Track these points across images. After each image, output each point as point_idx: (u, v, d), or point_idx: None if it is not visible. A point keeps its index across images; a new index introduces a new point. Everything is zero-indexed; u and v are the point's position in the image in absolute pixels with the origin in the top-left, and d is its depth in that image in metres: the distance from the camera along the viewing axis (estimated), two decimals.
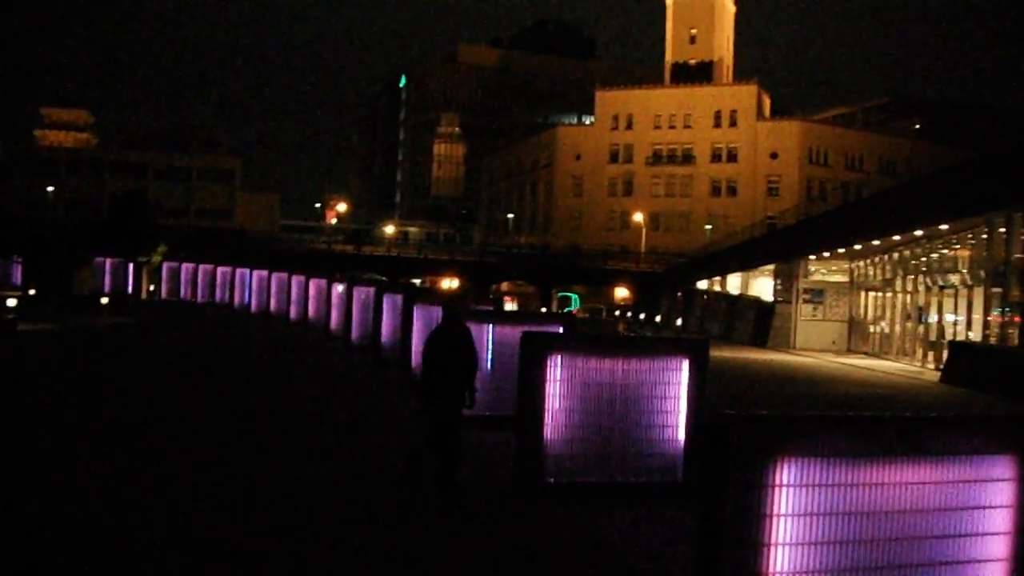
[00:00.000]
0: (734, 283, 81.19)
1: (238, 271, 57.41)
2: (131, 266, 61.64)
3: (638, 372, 12.66)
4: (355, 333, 33.28)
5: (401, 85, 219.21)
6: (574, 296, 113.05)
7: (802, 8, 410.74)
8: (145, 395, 20.96)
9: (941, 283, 46.25)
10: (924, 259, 48.43)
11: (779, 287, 64.97)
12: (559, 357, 12.44)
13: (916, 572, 6.41)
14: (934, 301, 47.11)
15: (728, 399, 24.59)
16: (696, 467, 12.53)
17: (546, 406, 12.37)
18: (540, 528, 11.36)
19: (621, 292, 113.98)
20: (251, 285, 54.46)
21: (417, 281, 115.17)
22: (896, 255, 51.69)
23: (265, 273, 52.04)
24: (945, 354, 41.36)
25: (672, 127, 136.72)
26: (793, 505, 6.11)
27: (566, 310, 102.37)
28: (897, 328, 51.91)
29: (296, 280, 46.04)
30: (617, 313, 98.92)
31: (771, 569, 6.09)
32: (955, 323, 44.34)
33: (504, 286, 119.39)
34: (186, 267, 64.02)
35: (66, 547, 9.72)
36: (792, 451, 6.09)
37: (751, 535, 6.07)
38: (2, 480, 12.71)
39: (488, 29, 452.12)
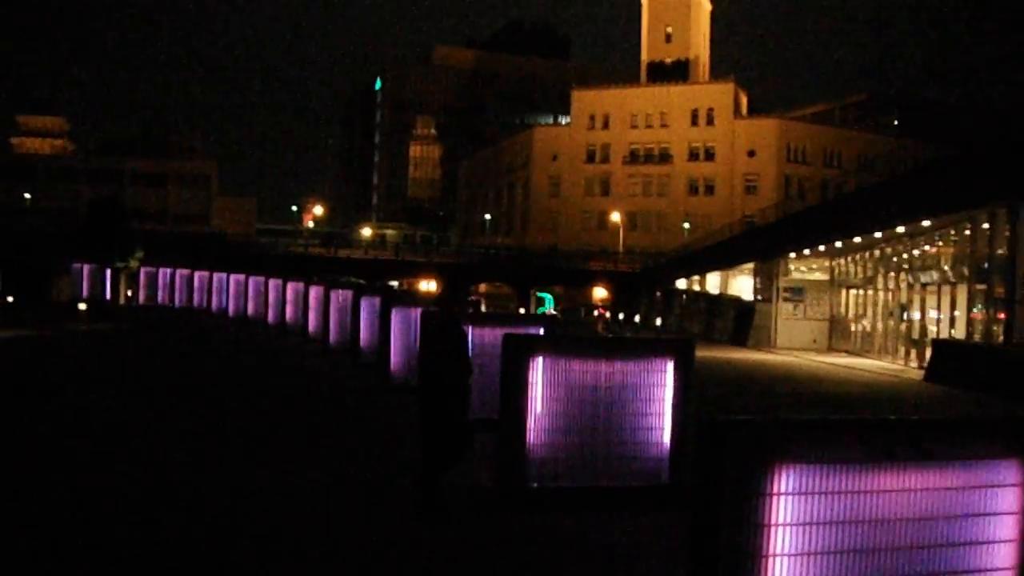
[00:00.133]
0: (713, 282, 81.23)
1: (215, 275, 57.07)
2: (108, 272, 61.39)
3: (622, 374, 12.39)
4: (333, 336, 33.02)
5: (376, 87, 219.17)
6: (547, 296, 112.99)
7: (778, 5, 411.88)
8: (122, 402, 20.64)
9: (923, 280, 46.11)
10: (906, 256, 48.30)
11: (759, 286, 64.90)
12: (542, 359, 12.16)
13: None
14: (916, 299, 47.00)
15: (712, 401, 24.34)
16: (681, 470, 12.31)
17: (529, 409, 12.08)
18: (524, 534, 11.09)
19: (599, 292, 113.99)
20: (228, 289, 54.12)
21: (395, 283, 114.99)
22: (877, 252, 51.60)
23: (242, 277, 51.71)
24: (928, 352, 41.21)
25: (649, 126, 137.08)
26: (793, 514, 5.82)
27: (539, 310, 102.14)
28: (879, 326, 51.78)
29: (273, 284, 45.72)
30: (596, 313, 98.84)
31: None
32: (938, 321, 44.21)
33: (482, 288, 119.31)
34: (163, 272, 63.75)
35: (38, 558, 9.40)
36: (792, 457, 5.80)
37: (748, 545, 5.79)
38: None
39: (463, 30, 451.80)
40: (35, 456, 14.61)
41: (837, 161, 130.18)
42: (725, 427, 5.82)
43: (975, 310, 40.22)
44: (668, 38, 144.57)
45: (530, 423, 12.06)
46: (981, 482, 6.17)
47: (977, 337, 39.24)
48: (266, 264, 68.65)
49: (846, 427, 6.16)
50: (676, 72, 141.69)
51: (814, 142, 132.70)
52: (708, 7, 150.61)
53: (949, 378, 35.19)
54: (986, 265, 38.86)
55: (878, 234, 48.09)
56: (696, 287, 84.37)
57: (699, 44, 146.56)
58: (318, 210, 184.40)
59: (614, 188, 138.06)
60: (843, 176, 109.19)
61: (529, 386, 12.04)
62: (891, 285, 49.87)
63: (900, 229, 45.81)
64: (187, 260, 64.69)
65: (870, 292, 53.41)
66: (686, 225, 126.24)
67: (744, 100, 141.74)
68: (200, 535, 10.60)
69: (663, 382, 12.42)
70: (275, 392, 23.58)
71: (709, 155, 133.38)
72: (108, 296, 60.92)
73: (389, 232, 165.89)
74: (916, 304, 46.94)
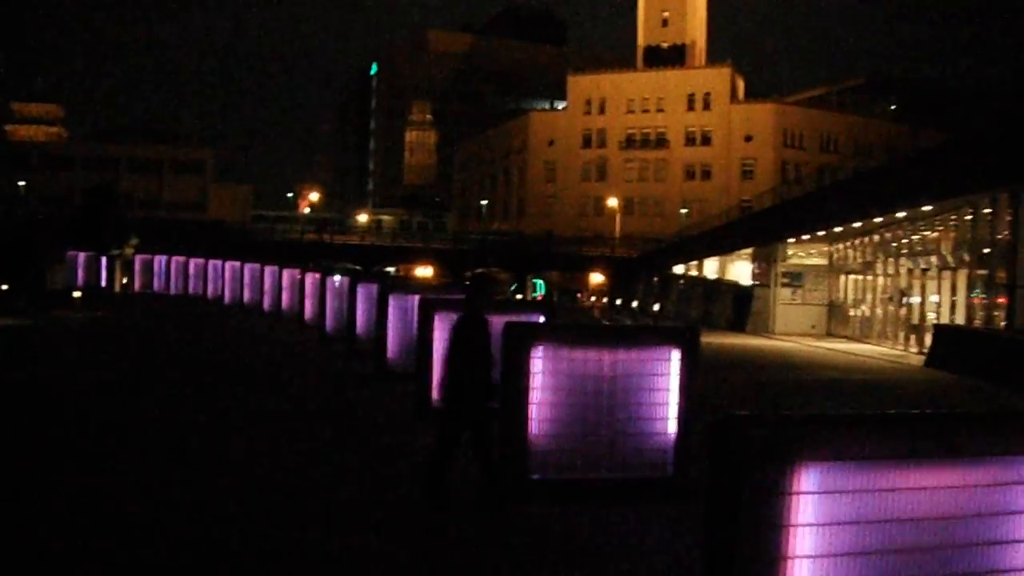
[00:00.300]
0: (711, 267, 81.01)
1: (211, 262, 57.11)
2: (104, 260, 61.27)
3: (626, 363, 12.09)
4: (329, 323, 32.82)
5: (372, 73, 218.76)
6: (539, 282, 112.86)
7: None
8: (116, 392, 20.42)
9: (924, 265, 45.82)
10: (906, 241, 48.00)
11: (757, 271, 64.62)
12: (543, 348, 11.85)
13: None
14: (916, 284, 46.71)
15: (716, 389, 24.04)
16: (686, 462, 12.05)
17: (530, 400, 11.78)
18: (526, 527, 10.83)
19: (596, 278, 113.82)
20: (224, 276, 54.08)
21: (391, 269, 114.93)
22: (876, 237, 51.28)
23: (238, 264, 51.69)
24: (928, 338, 40.94)
25: (645, 111, 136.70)
26: (815, 514, 5.53)
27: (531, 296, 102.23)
28: (878, 312, 51.50)
29: (269, 270, 45.66)
30: (593, 299, 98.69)
31: None
32: (938, 306, 43.92)
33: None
34: (159, 259, 64.01)
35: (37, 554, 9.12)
36: (815, 454, 5.51)
37: (769, 548, 5.50)
38: None
39: (458, 15, 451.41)
40: (26, 448, 14.36)
41: (834, 146, 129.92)
42: (744, 423, 5.53)
43: (974, 294, 39.94)
44: (665, 22, 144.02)
45: (532, 414, 11.77)
46: (1012, 479, 5.87)
47: (978, 323, 38.97)
48: (261, 250, 68.38)
49: (871, 422, 5.85)
50: (673, 57, 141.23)
51: (811, 127, 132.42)
52: None
53: (950, 364, 34.93)
54: (987, 250, 38.57)
55: (878, 219, 47.76)
56: (694, 272, 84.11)
57: (696, 28, 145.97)
58: (314, 196, 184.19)
59: (610, 173, 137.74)
60: (840, 161, 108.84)
61: (531, 375, 11.74)
62: (891, 270, 49.57)
63: (900, 214, 45.49)
64: (183, 247, 64.67)
65: (869, 277, 53.12)
66: (683, 210, 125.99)
67: (741, 85, 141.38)
68: (198, 528, 10.33)
69: (668, 371, 12.12)
70: (271, 380, 23.44)
71: (706, 140, 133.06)
72: (103, 284, 60.84)
73: (385, 218, 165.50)
74: (916, 289, 46.65)
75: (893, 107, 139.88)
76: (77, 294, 52.92)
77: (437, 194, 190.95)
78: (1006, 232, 36.59)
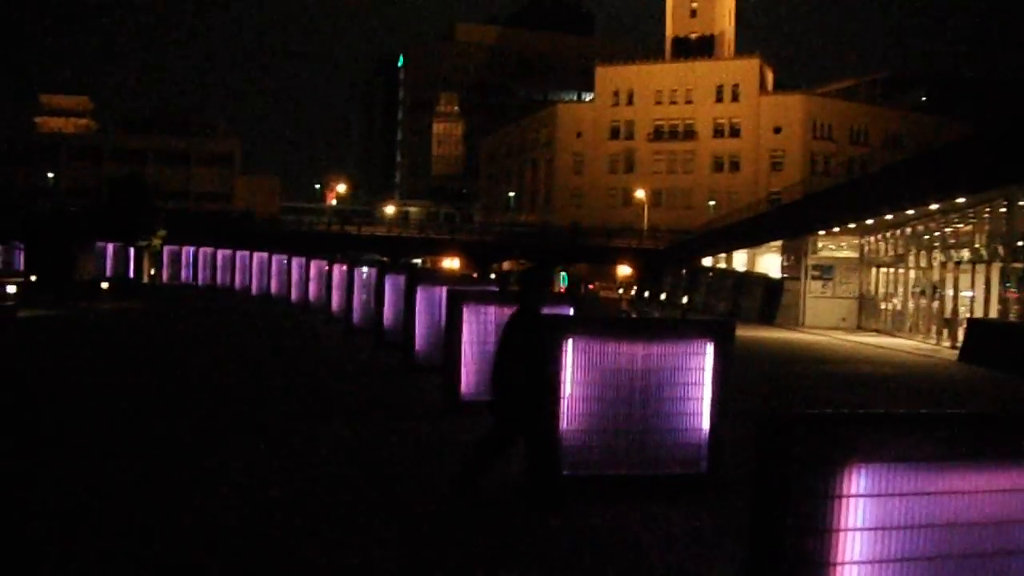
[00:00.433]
0: (740, 260, 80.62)
1: (238, 254, 57.33)
2: (132, 250, 61.42)
3: (659, 357, 11.81)
4: (356, 315, 32.69)
5: (399, 65, 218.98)
6: (563, 275, 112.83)
7: None
8: (146, 383, 20.27)
9: (956, 258, 45.34)
10: (938, 234, 47.50)
11: (787, 263, 64.22)
12: (574, 341, 11.58)
13: None
14: (949, 277, 46.22)
15: (747, 383, 23.74)
16: (720, 458, 11.80)
17: (561, 394, 11.52)
18: (558, 524, 10.54)
19: (624, 270, 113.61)
20: (251, 267, 54.22)
21: (418, 261, 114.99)
22: (908, 230, 50.79)
23: (265, 255, 51.84)
24: (961, 332, 40.50)
25: (673, 103, 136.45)
26: (866, 518, 5.25)
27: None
28: (910, 305, 51.02)
29: (296, 262, 45.69)
30: (621, 291, 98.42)
31: None
32: (971, 300, 43.43)
33: (506, 266, 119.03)
34: (187, 251, 64.40)
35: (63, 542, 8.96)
36: (865, 456, 5.23)
37: (816, 553, 5.22)
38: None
39: (486, 6, 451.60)
40: (51, 438, 14.20)
41: (864, 138, 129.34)
42: (791, 422, 5.25)
43: (1008, 287, 39.46)
44: (693, 13, 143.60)
45: (562, 408, 11.50)
46: None
47: (1012, 317, 38.50)
48: (289, 242, 68.54)
49: (926, 421, 5.56)
50: (701, 48, 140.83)
51: (840, 118, 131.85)
52: None
53: (984, 358, 34.50)
54: (1021, 243, 38.09)
55: (910, 211, 47.28)
56: (722, 264, 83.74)
57: (724, 19, 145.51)
58: (341, 188, 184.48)
59: (638, 165, 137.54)
60: (870, 153, 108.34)
61: (561, 369, 11.48)
62: (923, 263, 49.10)
63: (933, 206, 45.01)
64: (210, 238, 64.85)
65: (901, 270, 52.65)
66: (711, 202, 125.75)
67: (770, 76, 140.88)
68: (225, 516, 10.13)
69: (702, 366, 11.86)
70: (299, 371, 23.29)
71: (734, 131, 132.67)
72: (132, 275, 60.97)
73: (412, 210, 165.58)
74: (948, 283, 46.16)
75: (922, 99, 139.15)
76: (105, 285, 53.25)
77: (464, 185, 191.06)
78: None
